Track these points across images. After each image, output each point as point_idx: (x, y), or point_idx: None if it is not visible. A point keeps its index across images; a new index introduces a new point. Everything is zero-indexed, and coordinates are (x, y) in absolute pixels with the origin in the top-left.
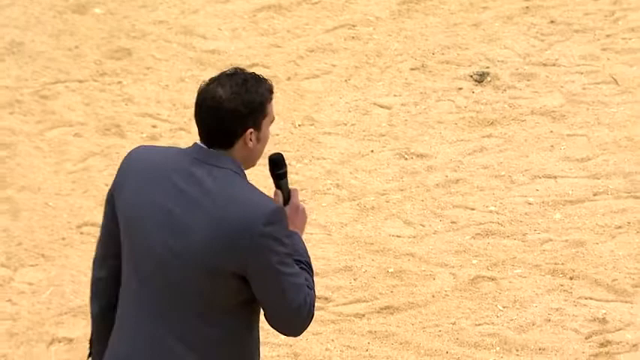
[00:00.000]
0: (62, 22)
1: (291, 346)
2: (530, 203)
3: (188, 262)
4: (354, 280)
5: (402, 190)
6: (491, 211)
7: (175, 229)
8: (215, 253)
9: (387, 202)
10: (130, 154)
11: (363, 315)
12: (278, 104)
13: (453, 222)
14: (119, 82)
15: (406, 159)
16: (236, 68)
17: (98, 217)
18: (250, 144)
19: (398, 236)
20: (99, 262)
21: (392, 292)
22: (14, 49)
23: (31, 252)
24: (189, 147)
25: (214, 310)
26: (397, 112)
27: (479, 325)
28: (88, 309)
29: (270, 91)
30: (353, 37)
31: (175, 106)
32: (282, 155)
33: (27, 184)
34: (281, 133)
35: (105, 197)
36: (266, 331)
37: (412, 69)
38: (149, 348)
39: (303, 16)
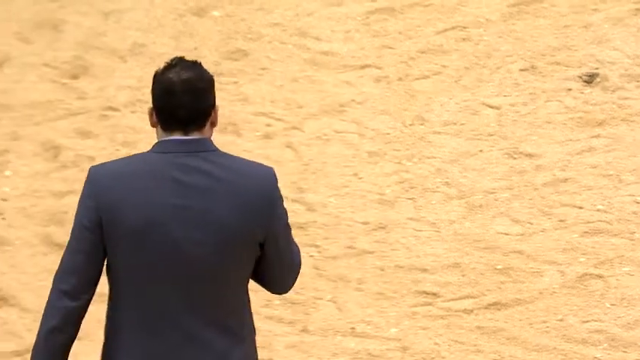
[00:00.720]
0: (182, 25)
1: (399, 340)
2: (638, 202)
3: (219, 248)
4: (463, 276)
5: (510, 188)
6: (599, 210)
7: (198, 222)
8: (243, 227)
9: (496, 200)
10: (95, 175)
11: (471, 310)
12: (389, 104)
13: (560, 220)
14: (235, 82)
15: (515, 158)
16: (177, 57)
17: None
18: (215, 121)
19: (506, 234)
20: (77, 290)
21: (500, 288)
22: (136, 51)
23: None
24: (161, 146)
25: (237, 286)
26: (506, 112)
27: (586, 322)
28: None
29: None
30: (464, 39)
31: (289, 106)
32: None
33: None
34: (391, 132)
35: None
36: (375, 325)
37: (522, 70)
38: (185, 343)
39: (415, 18)
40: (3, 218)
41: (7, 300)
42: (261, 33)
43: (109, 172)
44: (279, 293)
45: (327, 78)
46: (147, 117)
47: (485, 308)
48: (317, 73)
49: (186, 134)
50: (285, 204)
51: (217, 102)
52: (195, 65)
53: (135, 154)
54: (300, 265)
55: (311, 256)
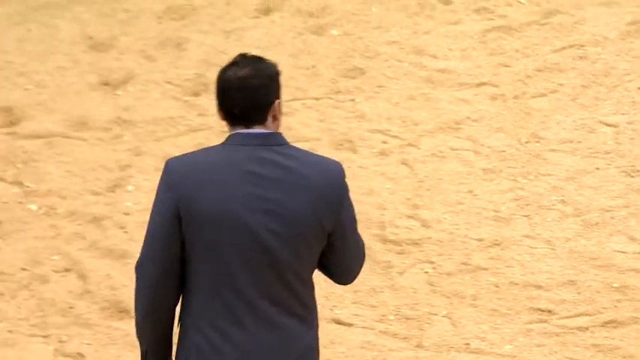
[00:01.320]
0: (301, 43)
1: (514, 357)
2: None
3: (292, 237)
4: (578, 294)
5: (627, 206)
6: None
7: (272, 212)
8: (314, 217)
9: (612, 218)
10: (172, 168)
11: (587, 328)
12: (505, 121)
13: None
14: (352, 100)
15: (632, 176)
16: (242, 53)
17: None
18: (278, 115)
19: (622, 252)
20: (155, 281)
21: (616, 306)
22: None
23: None
24: (235, 138)
25: (306, 274)
26: (624, 130)
27: None
28: (319, 315)
29: (277, 68)
30: (581, 57)
31: (405, 123)
32: None
33: None
34: (507, 149)
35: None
36: (489, 342)
37: None
38: (260, 328)
39: (532, 37)
40: (125, 232)
41: (129, 312)
42: (378, 51)
43: (186, 164)
44: (344, 283)
45: (443, 95)
46: None
47: (601, 326)
48: (433, 91)
49: (247, 128)
50: (400, 220)
51: (334, 118)
52: (256, 61)
53: (209, 147)
54: (364, 257)
55: (426, 272)
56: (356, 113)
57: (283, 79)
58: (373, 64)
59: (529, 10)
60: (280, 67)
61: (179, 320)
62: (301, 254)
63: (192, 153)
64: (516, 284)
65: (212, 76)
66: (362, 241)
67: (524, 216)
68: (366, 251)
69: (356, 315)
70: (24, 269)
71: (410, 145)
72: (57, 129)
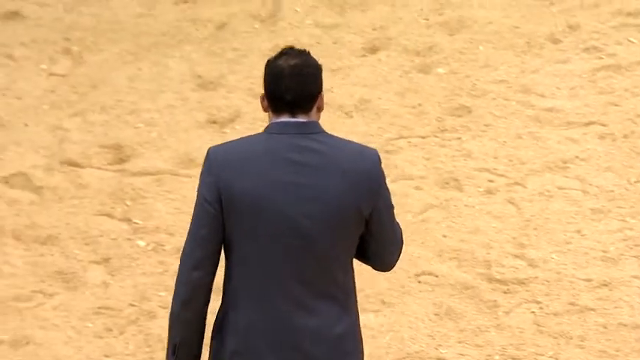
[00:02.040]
0: (407, 81)
1: None
2: None
3: (329, 221)
4: None
5: None
6: None
7: (309, 197)
8: (351, 203)
9: None
10: (214, 155)
11: None
12: (614, 161)
13: None
14: (459, 138)
15: None
16: (289, 46)
17: (435, 266)
18: (322, 106)
19: None
20: (198, 263)
21: None
22: (362, 106)
23: (373, 298)
24: (274, 127)
25: (344, 259)
26: None
27: None
28: (424, 354)
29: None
30: None
31: (512, 162)
32: None
33: None
34: (616, 189)
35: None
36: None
37: None
38: (296, 312)
39: None
40: None
41: None
42: (485, 89)
43: (227, 151)
44: (382, 270)
45: (550, 134)
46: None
47: None
48: (541, 130)
49: (293, 116)
50: (507, 260)
51: (439, 157)
52: (303, 53)
53: (250, 135)
54: (402, 244)
55: (532, 312)
56: (462, 152)
57: (389, 117)
58: (480, 103)
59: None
60: (386, 106)
61: (222, 300)
62: (339, 240)
63: (234, 141)
64: (625, 325)
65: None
66: (399, 228)
67: (634, 256)
68: (472, 291)
69: (461, 354)
70: (132, 305)
71: (516, 183)
72: (165, 166)
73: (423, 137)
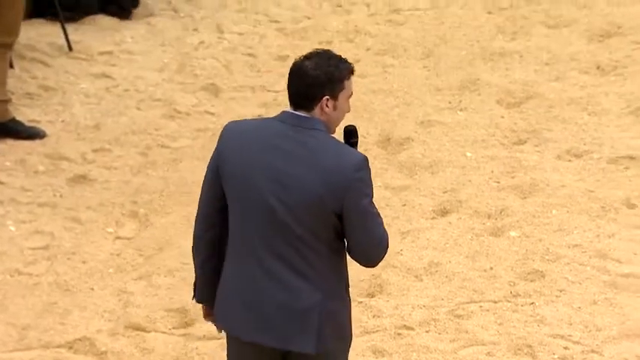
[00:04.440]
0: (478, 244)
1: None
2: None
3: (298, 207)
4: None
5: None
6: None
7: (285, 183)
8: (320, 196)
9: None
10: (225, 128)
11: None
12: None
13: None
14: (532, 303)
15: None
16: (326, 49)
17: None
18: (327, 109)
19: None
20: (203, 218)
21: None
22: (432, 270)
23: None
24: (280, 115)
25: (318, 242)
26: None
27: None
28: None
29: (351, 71)
30: None
31: (587, 328)
32: (355, 127)
33: None
34: None
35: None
36: None
37: None
38: (268, 280)
39: None
40: None
41: None
42: (559, 254)
43: (234, 128)
44: (365, 266)
45: (627, 301)
46: (439, 335)
47: None
48: (617, 296)
49: (295, 110)
50: None
51: (512, 322)
52: (327, 58)
53: (263, 118)
54: (383, 247)
55: None
56: (536, 317)
57: (460, 281)
58: (554, 268)
59: None
60: (457, 269)
61: None
62: (308, 226)
63: (246, 120)
64: None
65: (387, 277)
66: (380, 231)
67: None
68: None
69: None
70: None
71: (593, 351)
72: None
73: (495, 302)
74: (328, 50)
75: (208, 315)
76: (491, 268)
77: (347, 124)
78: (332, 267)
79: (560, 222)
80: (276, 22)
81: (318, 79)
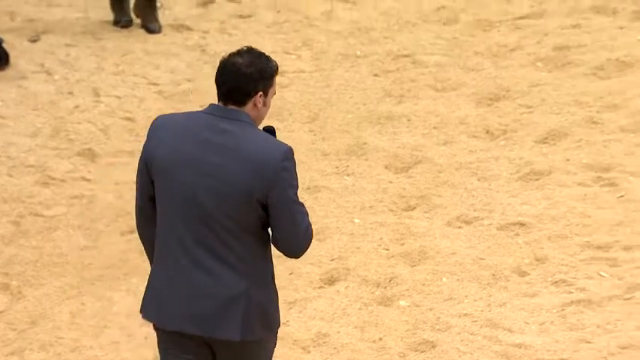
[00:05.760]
0: (367, 314)
1: None
2: None
3: (225, 198)
4: None
5: None
6: None
7: (212, 174)
8: (245, 185)
9: None
10: (154, 123)
11: None
12: None
13: None
14: None
15: None
16: (250, 46)
17: None
18: (259, 105)
19: None
20: (138, 209)
21: None
22: (320, 341)
23: None
24: (208, 108)
25: (244, 232)
26: None
27: None
28: None
29: (277, 68)
30: None
31: None
32: (273, 127)
33: None
34: None
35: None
36: None
37: None
38: (194, 270)
39: (615, 311)
40: None
41: None
42: (449, 323)
43: (163, 120)
44: (290, 256)
45: None
46: None
47: None
48: None
49: (225, 105)
50: None
51: None
52: (255, 55)
53: (191, 111)
54: (308, 237)
55: None
56: None
57: (349, 353)
58: (444, 338)
59: (611, 283)
60: (346, 340)
61: None
62: (233, 216)
63: (175, 113)
64: None
65: None
66: (305, 222)
67: None
68: None
69: None
70: None
71: None
72: None
73: None
74: (254, 48)
75: None
76: (381, 339)
77: (265, 125)
78: (258, 257)
79: (450, 290)
80: (155, 84)
81: (252, 75)
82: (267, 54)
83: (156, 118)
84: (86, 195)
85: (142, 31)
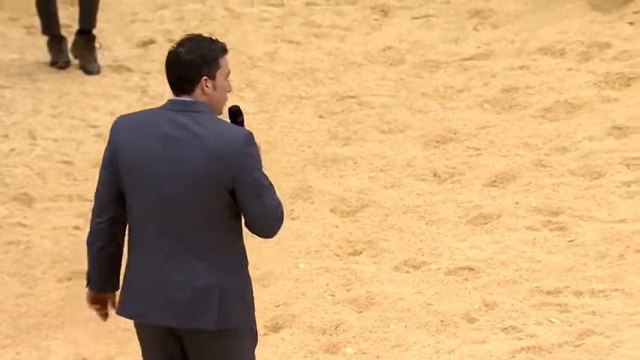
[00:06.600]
0: None
1: None
2: None
3: (192, 189)
4: None
5: None
6: None
7: (177, 167)
8: (209, 175)
9: None
10: (116, 122)
11: None
12: None
13: None
14: None
15: None
16: (196, 34)
17: None
18: (207, 89)
19: None
20: (99, 210)
21: None
22: None
23: None
24: (166, 103)
25: (214, 222)
26: None
27: None
28: None
29: (224, 49)
30: None
31: None
32: (239, 106)
33: None
34: None
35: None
36: None
37: None
38: (167, 263)
39: (565, 358)
40: None
41: None
42: None
43: (124, 120)
44: (264, 237)
45: None
46: None
47: None
48: None
49: (177, 96)
50: None
51: None
52: (198, 41)
53: (152, 108)
54: (278, 216)
55: None
56: None
57: None
58: None
59: (561, 329)
60: None
61: None
62: (200, 205)
63: (135, 112)
64: None
65: None
66: (275, 201)
67: None
68: None
69: None
70: None
71: None
72: None
73: None
74: (199, 34)
75: (95, 302)
76: None
77: (231, 105)
78: (229, 245)
79: (398, 337)
80: (94, 127)
81: (193, 62)
82: (212, 37)
83: (116, 119)
84: (22, 241)
85: (80, 72)
